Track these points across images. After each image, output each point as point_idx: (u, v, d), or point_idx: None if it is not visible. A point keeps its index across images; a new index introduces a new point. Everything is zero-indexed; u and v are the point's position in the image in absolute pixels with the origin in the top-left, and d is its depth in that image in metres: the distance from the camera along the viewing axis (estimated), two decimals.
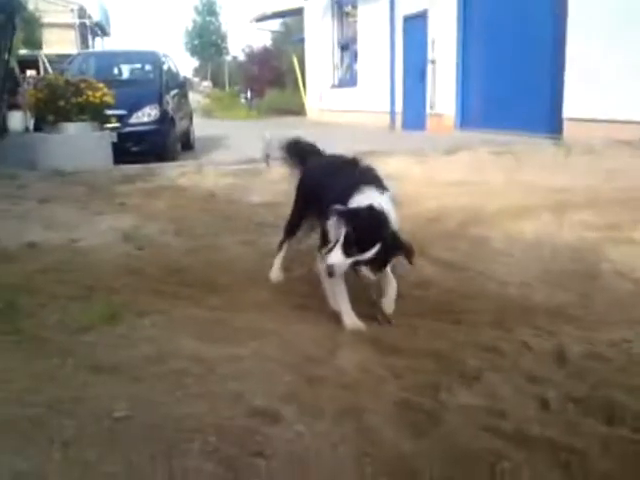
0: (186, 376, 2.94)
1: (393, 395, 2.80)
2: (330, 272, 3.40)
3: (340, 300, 3.69)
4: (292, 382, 2.91)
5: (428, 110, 17.80)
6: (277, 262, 4.51)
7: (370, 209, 3.38)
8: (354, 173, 3.88)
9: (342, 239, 3.35)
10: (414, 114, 18.42)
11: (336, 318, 3.73)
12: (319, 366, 3.09)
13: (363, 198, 3.48)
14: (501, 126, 14.08)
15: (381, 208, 3.41)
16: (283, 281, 4.46)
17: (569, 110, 12.46)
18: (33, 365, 3.07)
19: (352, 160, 4.08)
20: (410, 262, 3.51)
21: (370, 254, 3.37)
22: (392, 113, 19.65)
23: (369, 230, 3.36)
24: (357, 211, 3.39)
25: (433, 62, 17.40)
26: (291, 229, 4.44)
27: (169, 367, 3.03)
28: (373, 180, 3.73)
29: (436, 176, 8.18)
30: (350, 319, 3.63)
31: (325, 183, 3.93)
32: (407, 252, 3.47)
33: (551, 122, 12.87)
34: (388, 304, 3.77)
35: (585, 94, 11.93)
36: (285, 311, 3.91)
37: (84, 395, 2.75)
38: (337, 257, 3.35)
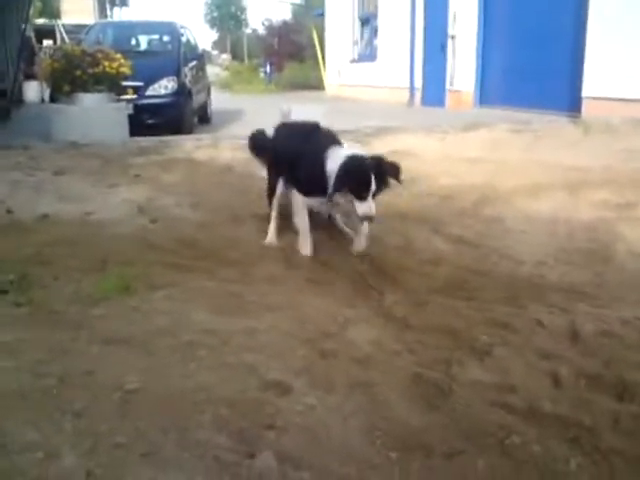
0: (199, 348, 2.96)
1: (405, 369, 2.82)
2: (369, 219, 4.05)
3: (302, 225, 4.49)
4: (305, 356, 2.93)
5: (448, 86, 17.67)
6: (271, 229, 4.89)
7: (362, 156, 4.15)
8: (320, 136, 4.56)
9: (371, 187, 3.96)
10: (433, 90, 18.28)
11: (349, 292, 3.78)
12: (332, 340, 3.12)
13: (343, 151, 4.25)
14: (520, 103, 13.97)
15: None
16: (277, 245, 4.76)
17: (589, 88, 12.33)
18: (46, 337, 3.09)
19: (314, 126, 4.72)
20: (398, 180, 4.19)
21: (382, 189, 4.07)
22: (411, 89, 19.51)
23: (380, 170, 4.04)
24: (364, 160, 4.10)
25: (453, 37, 17.23)
26: (271, 189, 4.94)
27: (182, 339, 3.05)
28: (337, 140, 4.50)
29: (453, 153, 8.14)
30: (304, 241, 4.46)
31: (296, 146, 4.57)
32: (398, 172, 4.18)
33: (571, 100, 12.74)
34: (360, 242, 4.41)
35: (605, 72, 11.80)
36: (298, 285, 3.93)
37: (96, 367, 2.78)
38: (372, 205, 3.98)
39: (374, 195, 4.00)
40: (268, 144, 5.13)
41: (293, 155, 4.57)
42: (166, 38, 14.65)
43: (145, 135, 10.27)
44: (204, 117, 15.33)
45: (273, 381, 2.67)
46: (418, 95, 19.35)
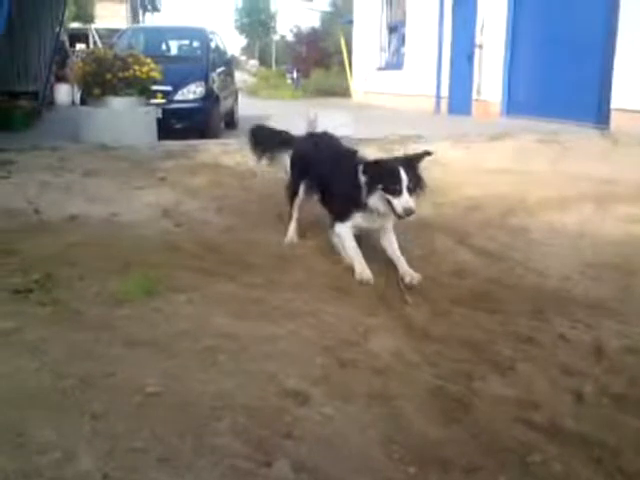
0: (220, 353, 2.95)
1: (425, 382, 2.79)
2: (410, 213, 3.97)
3: (353, 253, 4.27)
4: (324, 364, 2.91)
5: (474, 95, 17.57)
6: (291, 228, 5.01)
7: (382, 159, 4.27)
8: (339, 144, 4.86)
9: (404, 182, 3.97)
10: (460, 99, 18.20)
11: (370, 301, 3.74)
12: (352, 349, 3.10)
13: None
14: (548, 114, 13.84)
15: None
16: (297, 243, 4.88)
17: (617, 100, 12.19)
18: (68, 337, 3.10)
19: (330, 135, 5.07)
20: (429, 154, 4.24)
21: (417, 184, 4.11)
22: (438, 97, 19.44)
23: (409, 163, 4.11)
24: (389, 157, 4.34)
25: (481, 47, 17.14)
26: (293, 190, 5.04)
27: (203, 344, 3.05)
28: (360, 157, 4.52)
29: (479, 163, 8.07)
30: (361, 268, 4.16)
31: (322, 154, 4.75)
32: (422, 155, 4.23)
33: (599, 112, 12.60)
34: (407, 272, 4.18)
35: (634, 84, 11.67)
36: (321, 292, 3.90)
37: (117, 369, 2.77)
38: (409, 199, 3.98)
39: (410, 190, 4.00)
40: (284, 136, 5.30)
41: (322, 171, 4.67)
42: (196, 44, 14.70)
43: (173, 139, 10.31)
44: (231, 122, 15.36)
45: (292, 389, 2.66)
46: (444, 103, 19.27)
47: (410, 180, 4.00)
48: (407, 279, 4.10)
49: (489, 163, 8.03)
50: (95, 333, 3.14)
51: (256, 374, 2.77)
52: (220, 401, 2.53)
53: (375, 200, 4.11)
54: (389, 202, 4.02)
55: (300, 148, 5.08)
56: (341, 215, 4.39)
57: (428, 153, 4.24)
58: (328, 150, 4.80)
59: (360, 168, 4.19)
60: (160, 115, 10.86)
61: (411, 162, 4.14)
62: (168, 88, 11.67)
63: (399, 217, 4.06)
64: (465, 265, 4.46)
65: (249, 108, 18.75)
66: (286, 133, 5.38)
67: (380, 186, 4.03)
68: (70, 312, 3.42)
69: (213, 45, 14.56)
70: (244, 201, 6.17)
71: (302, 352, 3.01)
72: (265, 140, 5.35)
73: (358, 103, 24.57)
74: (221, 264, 4.32)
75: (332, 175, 4.53)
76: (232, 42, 71.26)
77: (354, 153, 4.58)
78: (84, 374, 2.71)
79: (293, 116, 8.32)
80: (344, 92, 28.63)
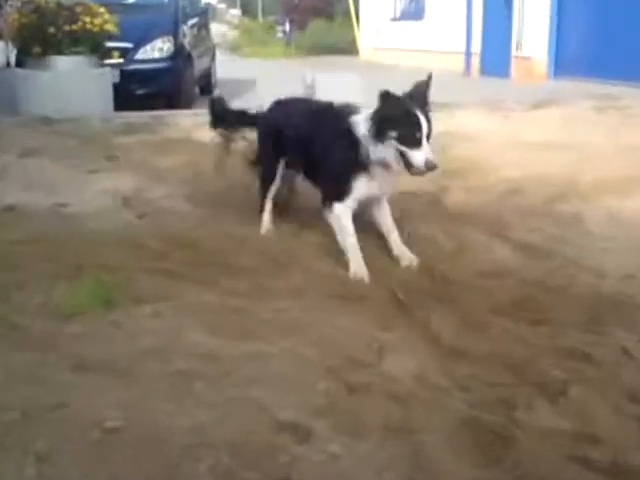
0: (196, 379, 2.95)
1: (455, 411, 2.79)
2: (433, 167, 4.02)
3: (350, 246, 4.35)
4: (329, 390, 2.91)
5: (514, 51, 17.58)
6: (265, 217, 5.13)
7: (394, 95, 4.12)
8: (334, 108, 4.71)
9: (424, 128, 4.03)
10: (495, 56, 18.20)
11: (386, 310, 3.75)
12: (363, 371, 3.10)
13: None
14: (606, 75, 13.83)
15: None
16: (274, 235, 4.99)
17: None
18: (8, 360, 3.10)
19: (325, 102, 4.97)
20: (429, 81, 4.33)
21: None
22: (467, 54, 19.47)
23: (423, 101, 4.24)
24: (401, 95, 4.17)
25: None
26: (268, 176, 5.12)
27: (175, 367, 3.05)
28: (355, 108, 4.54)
29: (520, 136, 8.07)
30: (356, 264, 4.26)
31: (303, 124, 4.77)
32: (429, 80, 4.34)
33: None
34: (406, 256, 4.41)
35: None
36: (322, 300, 3.91)
37: (68, 398, 2.78)
38: (429, 150, 4.03)
39: (428, 137, 4.05)
40: (245, 118, 5.41)
41: (304, 139, 4.72)
42: None
43: (134, 109, 10.30)
44: (207, 87, 15.36)
45: (288, 422, 2.66)
46: (476, 62, 19.29)
47: (428, 124, 4.07)
48: (404, 262, 4.24)
49: (532, 136, 8.03)
50: (40, 354, 3.14)
51: (242, 403, 2.78)
52: (197, 437, 2.53)
53: (385, 154, 4.16)
54: (402, 155, 4.08)
55: (269, 122, 5.19)
56: (339, 191, 4.42)
57: (429, 77, 4.33)
58: (306, 112, 4.90)
59: (356, 119, 4.28)
60: (117, 79, 10.86)
61: (423, 97, 4.25)
62: (127, 45, 11.68)
63: (416, 174, 4.14)
64: (503, 264, 4.47)
65: (230, 69, 18.77)
66: (247, 112, 5.51)
67: (394, 134, 4.07)
68: (8, 328, 3.41)
69: None
70: (223, 187, 6.16)
71: (300, 375, 3.01)
72: (227, 118, 5.52)
73: (367, 62, 24.58)
74: (196, 266, 4.32)
75: (318, 140, 4.58)
76: None
77: (340, 107, 4.62)
78: (27, 405, 2.71)
79: (285, 80, 8.29)
80: (349, 49, 28.65)
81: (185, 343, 3.29)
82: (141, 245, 4.65)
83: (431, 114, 4.21)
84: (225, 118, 5.48)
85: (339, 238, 4.42)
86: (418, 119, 4.02)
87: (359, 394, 2.90)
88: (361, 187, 4.34)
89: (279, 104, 5.29)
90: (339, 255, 4.42)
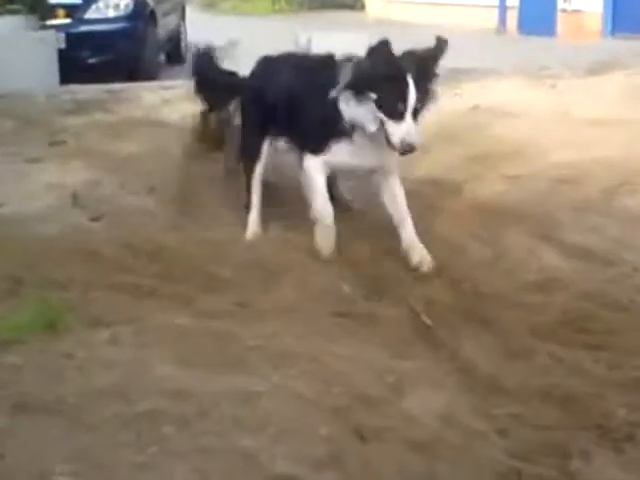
0: (164, 422, 2.93)
1: (493, 461, 2.78)
2: (409, 150, 4.16)
3: (318, 197, 4.62)
4: (333, 436, 2.90)
5: (561, 4, 17.61)
6: (253, 213, 5.21)
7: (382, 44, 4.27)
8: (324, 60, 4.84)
9: (411, 100, 4.13)
10: (537, 10, 18.23)
11: (403, 333, 3.75)
12: (375, 411, 3.09)
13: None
14: None
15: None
16: (261, 240, 5.02)
17: None
18: None
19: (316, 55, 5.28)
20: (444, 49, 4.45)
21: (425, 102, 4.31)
22: (502, 8, 19.49)
23: (420, 69, 4.27)
24: (393, 52, 4.27)
25: None
26: (253, 151, 5.17)
27: (138, 408, 3.03)
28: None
29: (571, 111, 8.05)
30: (324, 233, 4.59)
31: (290, 79, 4.90)
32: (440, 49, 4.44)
33: None
34: (417, 252, 4.50)
35: None
36: (323, 321, 3.92)
37: (3, 448, 2.76)
38: (413, 127, 4.13)
39: (415, 113, 4.15)
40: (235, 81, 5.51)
41: (290, 95, 4.87)
42: None
43: (84, 82, 10.29)
44: (175, 53, 15.38)
45: (283, 476, 2.65)
46: (512, 17, 19.32)
47: (419, 97, 4.16)
48: (415, 258, 4.37)
49: (587, 111, 8.02)
50: None
51: (223, 453, 2.76)
52: None
53: (360, 116, 4.27)
54: (382, 124, 4.18)
55: (255, 82, 5.32)
56: (311, 143, 4.61)
57: (443, 42, 4.43)
58: (297, 68, 5.02)
59: (343, 68, 4.35)
60: (63, 44, 10.83)
61: (425, 64, 4.34)
62: (75, 1, 11.66)
63: (393, 150, 4.25)
64: (553, 273, 4.47)
65: (204, 30, 18.73)
66: (234, 74, 5.61)
67: (373, 96, 4.16)
68: None
69: None
70: (197, 180, 6.16)
71: (297, 418, 2.99)
72: (217, 80, 5.61)
73: (377, 19, 24.61)
74: (166, 280, 4.32)
75: (303, 94, 4.74)
76: None
77: (332, 57, 4.74)
78: None
79: (274, 42, 8.25)
80: (354, 3, 28.67)
81: (151, 377, 3.25)
82: (96, 254, 4.63)
83: (436, 89, 4.36)
84: (215, 79, 5.58)
85: (308, 197, 4.63)
86: (406, 86, 4.10)
87: (371, 441, 2.88)
88: (337, 149, 4.49)
89: (265, 61, 5.39)
90: (341, 265, 4.42)
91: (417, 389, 3.26)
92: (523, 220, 5.15)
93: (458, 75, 9.63)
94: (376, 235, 4.83)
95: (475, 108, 7.43)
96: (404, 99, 4.08)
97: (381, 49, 4.18)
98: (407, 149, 4.13)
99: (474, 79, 9.52)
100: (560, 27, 17.51)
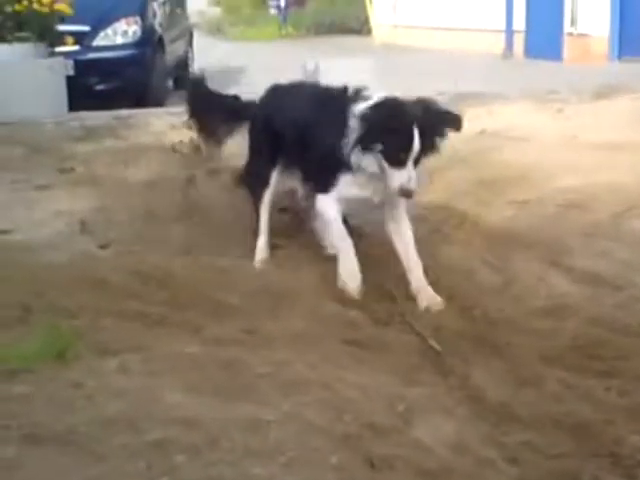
0: (175, 451, 2.92)
1: None
2: (408, 195, 4.33)
3: (339, 241, 4.63)
4: (345, 464, 2.88)
5: (567, 27, 17.63)
6: (262, 239, 5.26)
7: (399, 98, 4.49)
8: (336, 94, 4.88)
9: (414, 152, 4.26)
10: (544, 34, 18.25)
11: (413, 360, 3.73)
12: (386, 439, 3.07)
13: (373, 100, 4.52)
14: None
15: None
16: (270, 266, 5.11)
17: None
18: None
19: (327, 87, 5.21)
20: (457, 128, 4.55)
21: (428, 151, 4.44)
22: (509, 32, 19.52)
23: (427, 121, 4.37)
24: (402, 104, 4.45)
25: None
26: (261, 179, 5.23)
27: (149, 437, 3.01)
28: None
29: (579, 135, 8.05)
30: (348, 268, 4.57)
31: (299, 112, 4.98)
32: (454, 120, 4.55)
33: None
34: (426, 296, 4.47)
35: None
36: (332, 349, 3.90)
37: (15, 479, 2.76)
38: (413, 175, 4.26)
39: (417, 160, 4.28)
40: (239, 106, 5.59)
41: (299, 129, 4.93)
42: None
43: (93, 108, 10.31)
44: (183, 80, 15.38)
45: None
46: (519, 42, 19.35)
47: (422, 148, 4.29)
48: (422, 301, 4.36)
49: (594, 135, 8.02)
50: None
51: None
52: None
53: (365, 160, 4.40)
54: (383, 171, 4.32)
55: (264, 110, 5.36)
56: (322, 181, 4.67)
57: (457, 120, 4.55)
58: (307, 99, 5.10)
59: (355, 110, 4.45)
60: (72, 71, 10.86)
61: (430, 115, 4.44)
62: (83, 28, 11.69)
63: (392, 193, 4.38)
64: (563, 299, 4.46)
65: (211, 56, 18.80)
66: (236, 98, 5.68)
67: (379, 147, 4.29)
68: None
69: None
70: (206, 205, 6.16)
71: (307, 446, 2.98)
72: (209, 108, 5.63)
73: (384, 44, 24.68)
74: (174, 307, 4.31)
75: (313, 128, 4.79)
76: None
77: (345, 90, 4.78)
78: None
79: (280, 68, 8.29)
80: (360, 28, 28.75)
81: (161, 406, 3.23)
82: (104, 281, 4.62)
83: (443, 136, 4.48)
84: (209, 104, 5.63)
85: (327, 238, 4.69)
86: (411, 137, 4.24)
87: (382, 469, 2.87)
88: (347, 183, 4.58)
89: (276, 90, 5.44)
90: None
91: (427, 417, 3.24)
92: (532, 245, 5.15)
93: (467, 99, 9.66)
94: (385, 260, 4.83)
95: (482, 132, 7.43)
96: (407, 150, 4.22)
97: (388, 104, 4.38)
98: (405, 194, 4.30)
99: (481, 103, 9.52)
100: (566, 51, 17.53)
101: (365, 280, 4.61)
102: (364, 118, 4.30)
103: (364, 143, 4.31)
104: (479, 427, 3.19)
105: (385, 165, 4.28)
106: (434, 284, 4.53)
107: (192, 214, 5.95)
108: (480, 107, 9.30)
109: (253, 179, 5.29)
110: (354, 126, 4.36)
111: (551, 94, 10.32)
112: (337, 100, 4.71)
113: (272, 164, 5.13)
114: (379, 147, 4.27)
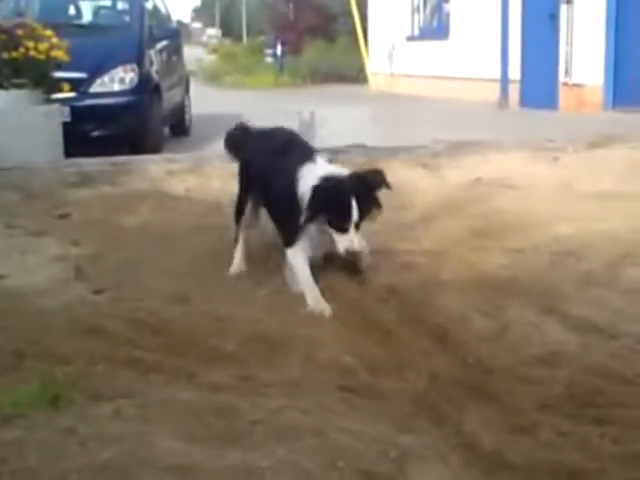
0: None
1: None
2: (353, 256, 4.99)
3: (304, 281, 5.10)
4: None
5: (562, 77, 17.72)
6: (237, 254, 5.91)
7: (338, 175, 5.01)
8: (291, 147, 5.59)
9: (353, 219, 4.81)
10: (539, 84, 18.34)
11: (406, 407, 3.74)
12: None
13: (318, 169, 5.09)
14: None
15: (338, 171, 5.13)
16: (246, 271, 5.77)
17: None
18: None
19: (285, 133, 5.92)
20: (388, 186, 5.11)
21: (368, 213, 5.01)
22: (504, 82, 19.60)
23: (363, 190, 4.94)
24: (340, 180, 4.94)
25: (569, 2, 17.33)
26: (239, 209, 5.94)
27: None
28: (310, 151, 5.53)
29: (573, 184, 8.08)
30: (314, 298, 5.01)
31: (264, 161, 5.63)
32: (383, 183, 5.10)
33: None
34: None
35: None
36: (327, 396, 3.88)
37: None
38: (355, 238, 4.83)
39: (357, 225, 4.88)
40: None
41: (265, 177, 5.57)
42: (122, 5, 14.81)
43: (89, 155, 10.32)
44: (180, 126, 15.46)
45: None
46: (514, 91, 19.43)
47: (361, 213, 4.83)
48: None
49: (589, 184, 8.05)
50: None
51: None
52: None
53: (315, 230, 4.97)
54: (332, 237, 4.85)
55: (247, 153, 6.03)
56: (287, 237, 5.19)
57: (385, 184, 5.11)
58: (273, 151, 5.62)
59: (303, 173, 5.07)
60: (68, 117, 10.88)
61: (366, 184, 5.00)
62: (80, 75, 11.71)
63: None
64: (558, 347, 4.44)
65: (208, 103, 18.87)
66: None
67: (324, 217, 4.84)
68: None
69: (150, 6, 14.66)
70: (202, 253, 6.17)
71: None
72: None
73: (379, 92, 24.85)
74: (169, 353, 4.31)
75: (273, 184, 5.36)
76: (179, 2, 72.05)
77: (304, 157, 5.32)
78: None
79: (276, 116, 8.31)
80: (355, 76, 28.91)
81: (155, 452, 3.21)
82: (98, 328, 4.61)
83: (377, 202, 5.03)
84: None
85: (294, 279, 5.22)
86: (349, 209, 4.78)
87: None
88: (307, 243, 5.10)
89: (258, 133, 6.12)
90: (345, 339, 4.42)
91: (421, 464, 3.22)
92: (527, 293, 5.15)
93: (463, 148, 9.70)
94: (377, 305, 4.86)
95: (478, 181, 7.46)
96: (347, 219, 4.76)
97: (326, 186, 4.81)
98: (350, 256, 4.92)
99: (476, 152, 9.57)
100: (562, 100, 17.60)
101: (358, 327, 4.64)
102: (309, 202, 4.80)
103: (310, 216, 4.81)
104: (473, 475, 3.17)
105: (332, 231, 4.80)
106: (429, 331, 4.54)
107: (188, 260, 5.95)
108: (476, 155, 9.34)
109: (236, 207, 5.93)
110: (303, 197, 4.88)
111: (546, 143, 10.35)
112: (291, 156, 5.34)
113: (247, 197, 5.81)
114: (324, 218, 4.82)
